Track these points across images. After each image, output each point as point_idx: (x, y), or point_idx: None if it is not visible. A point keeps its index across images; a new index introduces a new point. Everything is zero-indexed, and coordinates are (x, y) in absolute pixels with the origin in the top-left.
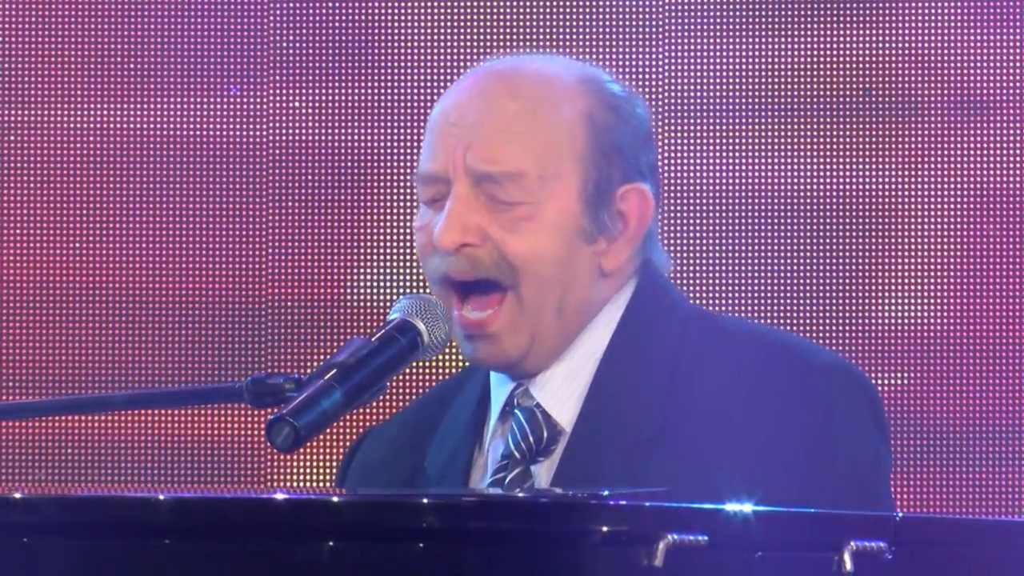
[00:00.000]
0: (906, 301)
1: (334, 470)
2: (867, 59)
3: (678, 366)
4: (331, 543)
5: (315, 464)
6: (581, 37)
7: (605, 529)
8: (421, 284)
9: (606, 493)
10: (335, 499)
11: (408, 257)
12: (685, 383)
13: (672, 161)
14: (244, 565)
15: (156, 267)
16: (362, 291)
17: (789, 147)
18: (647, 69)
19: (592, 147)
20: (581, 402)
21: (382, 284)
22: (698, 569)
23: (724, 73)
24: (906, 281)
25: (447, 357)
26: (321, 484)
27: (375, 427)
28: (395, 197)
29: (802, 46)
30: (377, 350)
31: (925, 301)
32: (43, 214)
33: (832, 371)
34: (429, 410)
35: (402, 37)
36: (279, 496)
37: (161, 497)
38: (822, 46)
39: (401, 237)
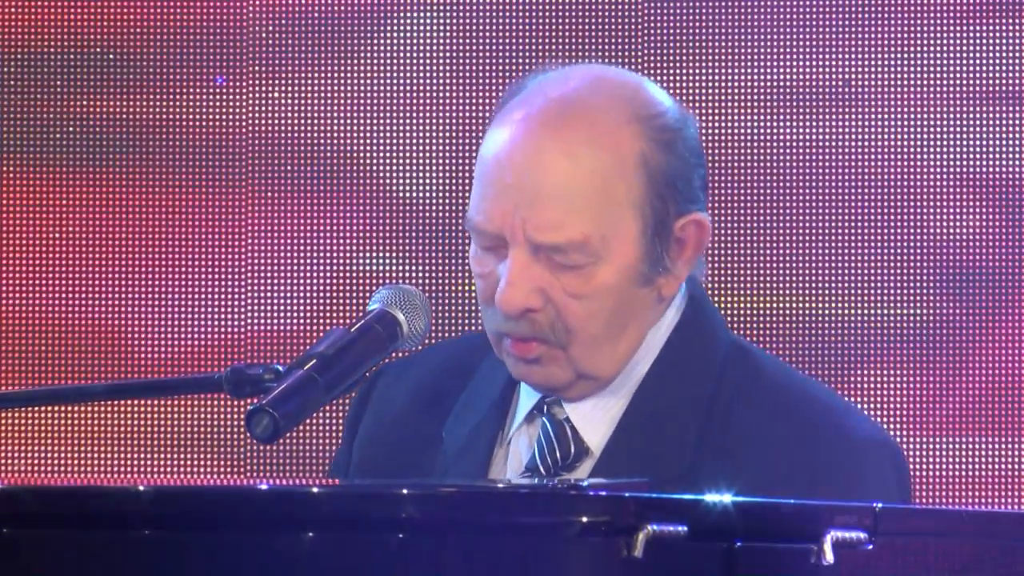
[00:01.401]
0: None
1: (315, 460)
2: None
3: (714, 409)
4: (311, 533)
5: (295, 454)
6: (567, 17)
7: (585, 520)
8: (401, 275)
9: (586, 484)
10: (315, 490)
11: (388, 248)
12: (719, 428)
13: None
14: (225, 556)
15: (137, 256)
16: (343, 281)
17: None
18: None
19: (648, 191)
20: (612, 426)
21: (363, 274)
22: (678, 559)
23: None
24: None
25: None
26: (301, 474)
27: (389, 366)
28: (378, 188)
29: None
30: (356, 340)
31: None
32: (19, 204)
33: (866, 445)
34: (451, 371)
35: (386, 26)
36: (260, 487)
37: (141, 488)
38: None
39: (383, 228)
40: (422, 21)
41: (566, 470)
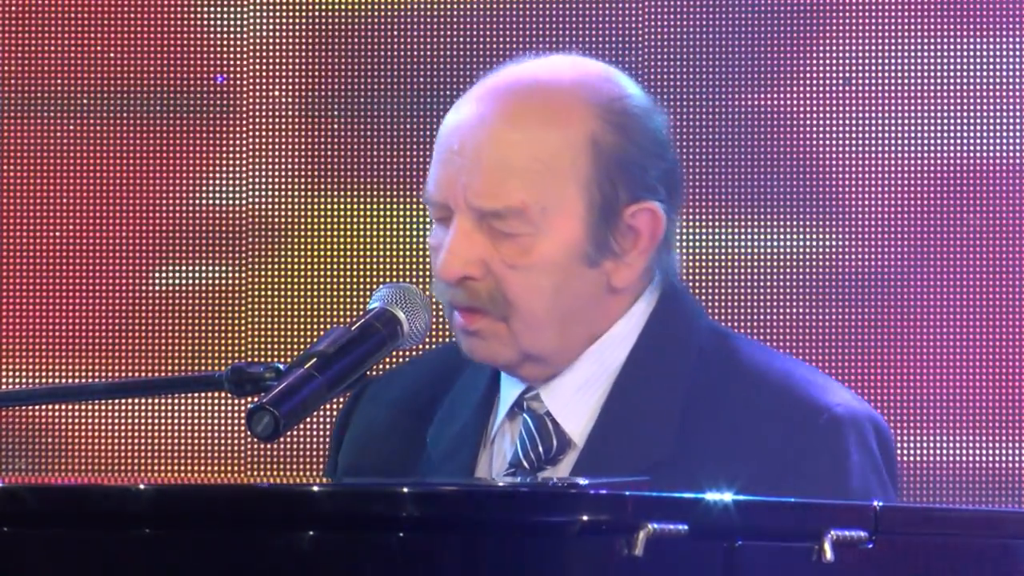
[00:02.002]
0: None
1: (315, 459)
2: None
3: (694, 394)
4: (312, 532)
5: (295, 454)
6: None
7: (585, 518)
8: (400, 273)
9: (586, 483)
10: (315, 488)
11: (388, 245)
12: (700, 413)
13: None
14: (225, 555)
15: (136, 255)
16: (342, 280)
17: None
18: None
19: (596, 171)
20: (594, 416)
21: (363, 273)
22: (678, 558)
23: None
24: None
25: (428, 344)
26: (301, 474)
27: (375, 379)
28: (377, 186)
29: None
30: (357, 339)
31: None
32: (20, 202)
33: (849, 419)
34: (433, 379)
35: (385, 25)
36: (260, 485)
37: (141, 486)
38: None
39: (382, 225)
40: (424, 20)
41: (550, 464)
